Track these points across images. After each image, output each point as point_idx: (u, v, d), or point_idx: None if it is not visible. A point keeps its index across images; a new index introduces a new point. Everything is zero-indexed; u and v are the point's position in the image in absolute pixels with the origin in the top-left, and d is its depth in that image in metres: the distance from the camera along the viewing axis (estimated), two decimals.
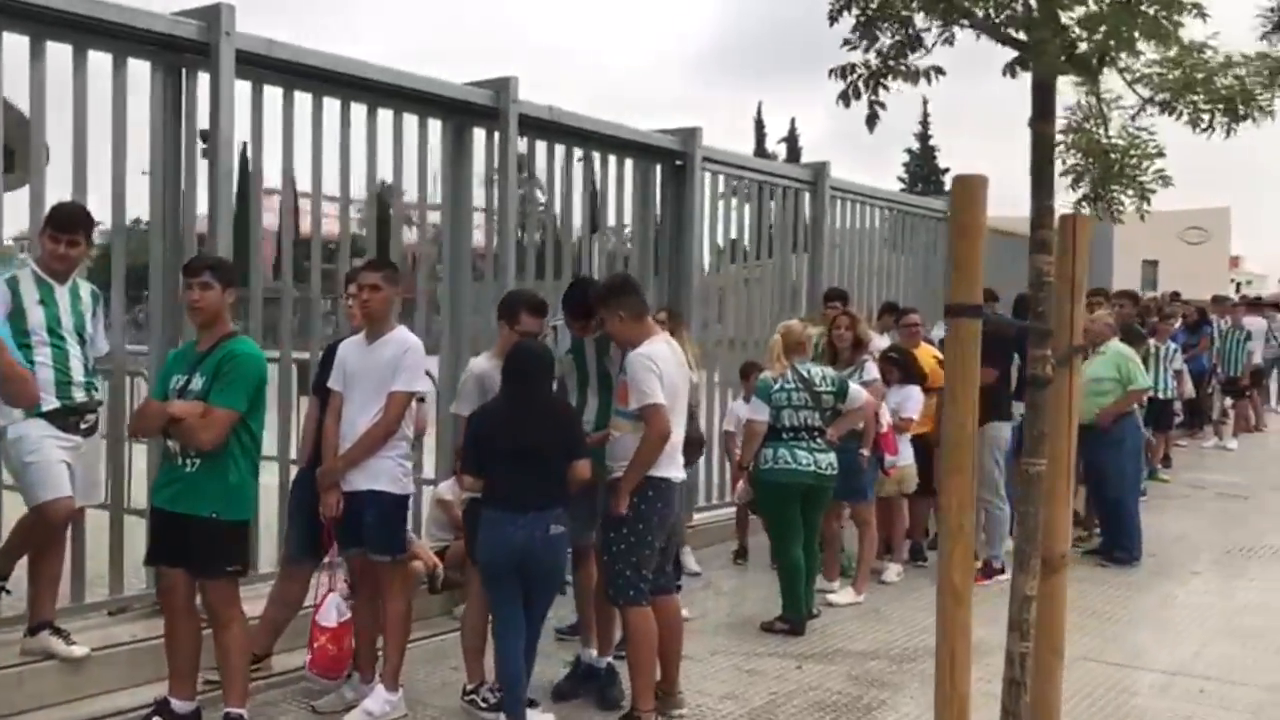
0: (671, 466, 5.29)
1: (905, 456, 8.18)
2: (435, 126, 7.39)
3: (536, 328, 5.52)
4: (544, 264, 8.25)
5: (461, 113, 7.49)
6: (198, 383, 4.76)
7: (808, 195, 10.78)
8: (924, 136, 75.77)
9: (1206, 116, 4.23)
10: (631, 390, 5.12)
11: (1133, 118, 4.34)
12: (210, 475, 4.74)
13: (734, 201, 9.97)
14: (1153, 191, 5.09)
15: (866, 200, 11.38)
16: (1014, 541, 8.47)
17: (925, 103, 74.38)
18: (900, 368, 8.30)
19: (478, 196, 7.79)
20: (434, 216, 7.98)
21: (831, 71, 3.64)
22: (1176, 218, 59.50)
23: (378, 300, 5.26)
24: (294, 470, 5.98)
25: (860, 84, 3.59)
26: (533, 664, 5.20)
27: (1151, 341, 13.06)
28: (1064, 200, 4.32)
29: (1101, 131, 4.41)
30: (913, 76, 3.58)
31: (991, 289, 12.35)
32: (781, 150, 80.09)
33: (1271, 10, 9.52)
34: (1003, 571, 8.27)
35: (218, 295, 4.83)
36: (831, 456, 7.02)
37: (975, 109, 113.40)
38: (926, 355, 8.76)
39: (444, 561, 6.75)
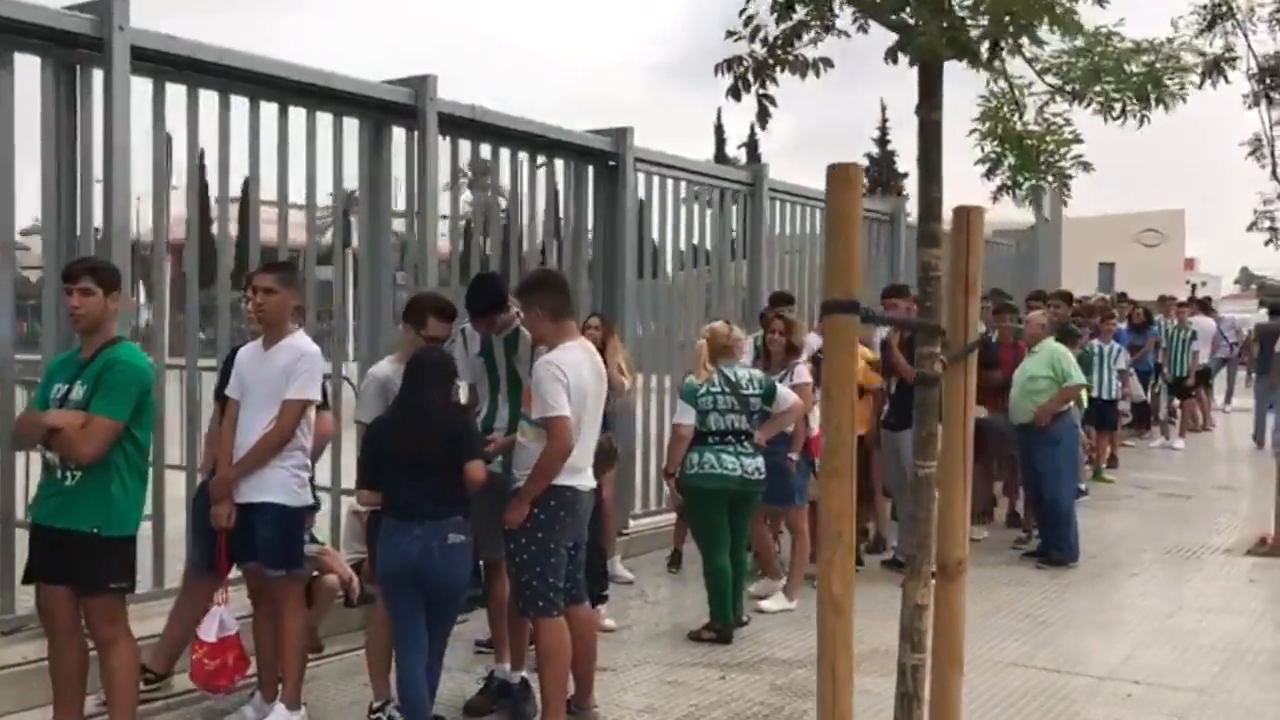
0: (577, 475, 5.11)
1: None
2: (351, 126, 7.19)
3: (444, 332, 5.34)
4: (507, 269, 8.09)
5: (380, 112, 7.29)
6: (79, 391, 4.54)
7: (747, 198, 10.65)
8: (882, 141, 75.93)
9: (1117, 105, 4.13)
10: (535, 399, 4.95)
11: (1041, 109, 4.23)
12: (91, 488, 4.51)
13: (670, 204, 9.80)
14: (1071, 177, 4.98)
15: (807, 202, 11.25)
16: (904, 548, 8.48)
17: (884, 108, 74.74)
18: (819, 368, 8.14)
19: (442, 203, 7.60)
20: (398, 224, 7.83)
21: (718, 67, 3.49)
22: (1132, 220, 60.00)
23: (272, 304, 5.06)
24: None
25: (749, 76, 3.44)
26: (437, 679, 5.01)
27: (1095, 342, 13.07)
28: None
29: (1016, 119, 4.30)
30: (801, 68, 3.43)
31: None
32: (742, 155, 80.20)
33: (1205, 6, 9.51)
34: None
35: (99, 301, 4.61)
36: (759, 461, 6.87)
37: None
38: (859, 358, 8.64)
39: (361, 574, 6.54)
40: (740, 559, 7.06)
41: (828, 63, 3.40)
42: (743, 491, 6.80)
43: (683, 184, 9.83)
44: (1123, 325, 16.11)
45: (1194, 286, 55.10)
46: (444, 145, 7.70)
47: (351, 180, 7.39)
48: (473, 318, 5.41)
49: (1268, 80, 9.29)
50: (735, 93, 3.43)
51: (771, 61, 3.40)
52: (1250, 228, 9.88)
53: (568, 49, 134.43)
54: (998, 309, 10.47)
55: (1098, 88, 4.13)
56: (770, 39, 3.38)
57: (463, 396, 5.50)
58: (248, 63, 6.43)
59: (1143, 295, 20.82)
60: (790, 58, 3.39)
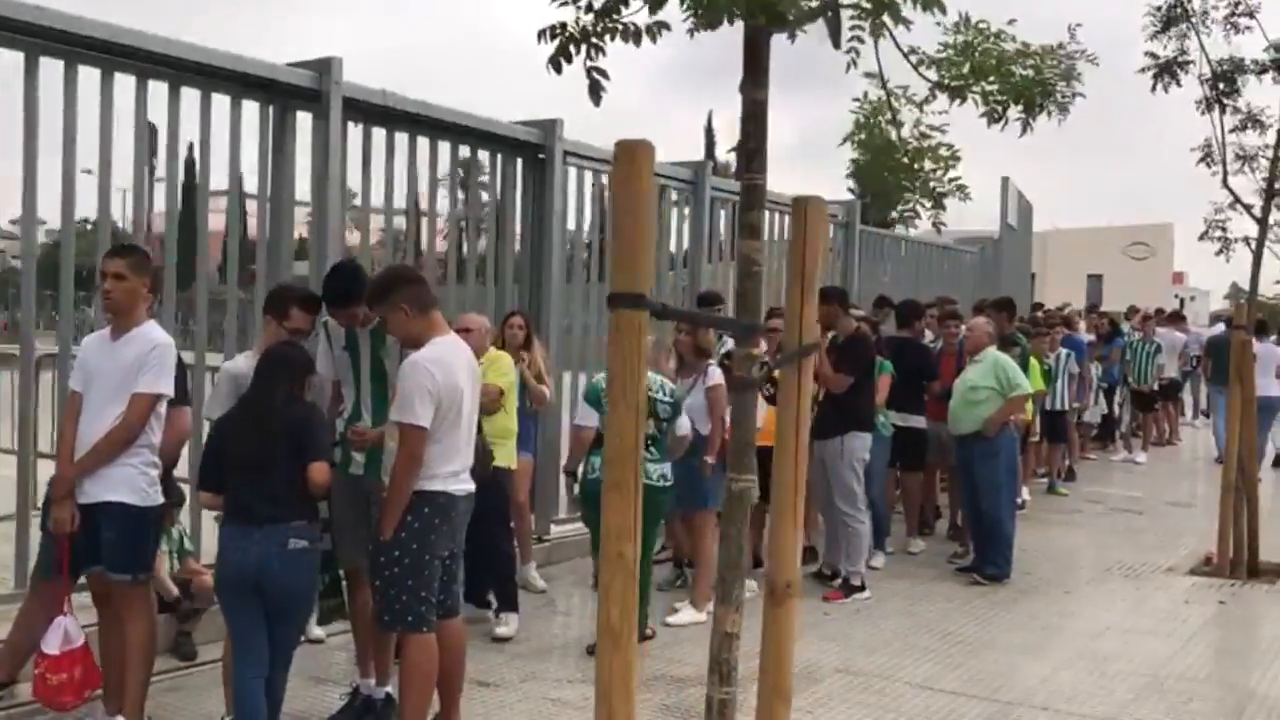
0: (453, 479, 4.80)
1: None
2: (251, 109, 6.88)
3: (308, 324, 5.04)
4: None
5: (284, 95, 6.98)
6: None
7: (689, 197, 10.36)
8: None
9: (1000, 107, 3.89)
10: (397, 400, 4.64)
11: (921, 105, 3.97)
12: None
13: (608, 201, 9.50)
14: (944, 195, 4.71)
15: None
16: (830, 559, 8.16)
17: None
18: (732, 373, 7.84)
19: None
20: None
21: (540, 33, 3.20)
22: (1121, 233, 59.90)
23: (121, 291, 4.76)
24: None
25: (572, 46, 3.15)
26: (280, 693, 4.69)
27: (1063, 353, 12.79)
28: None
29: (892, 130, 4.04)
30: (634, 36, 3.14)
31: (885, 296, 12.03)
32: (731, 159, 79.73)
33: (1159, 9, 9.20)
34: (863, 589, 7.89)
35: None
36: (665, 467, 6.59)
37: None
38: None
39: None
40: (645, 571, 6.76)
41: (663, 26, 3.10)
42: (646, 499, 6.47)
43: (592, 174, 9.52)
44: (1089, 336, 15.89)
45: (1181, 300, 55.04)
46: (355, 133, 7.41)
47: (253, 166, 7.08)
48: (331, 310, 5.10)
49: (1220, 85, 9.02)
50: (557, 64, 3.13)
51: (599, 29, 3.11)
52: (1202, 237, 9.60)
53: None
54: (942, 316, 10.19)
55: (979, 87, 3.89)
56: (596, 4, 3.09)
57: (326, 393, 5.18)
58: (134, 40, 6.13)
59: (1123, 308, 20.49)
60: (619, 25, 3.10)
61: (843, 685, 6.11)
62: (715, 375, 7.30)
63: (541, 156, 8.76)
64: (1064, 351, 12.89)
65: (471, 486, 5.00)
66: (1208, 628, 7.45)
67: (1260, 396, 16.22)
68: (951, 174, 4.60)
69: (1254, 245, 9.22)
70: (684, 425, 6.86)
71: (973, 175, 4.65)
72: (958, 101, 3.87)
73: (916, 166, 4.57)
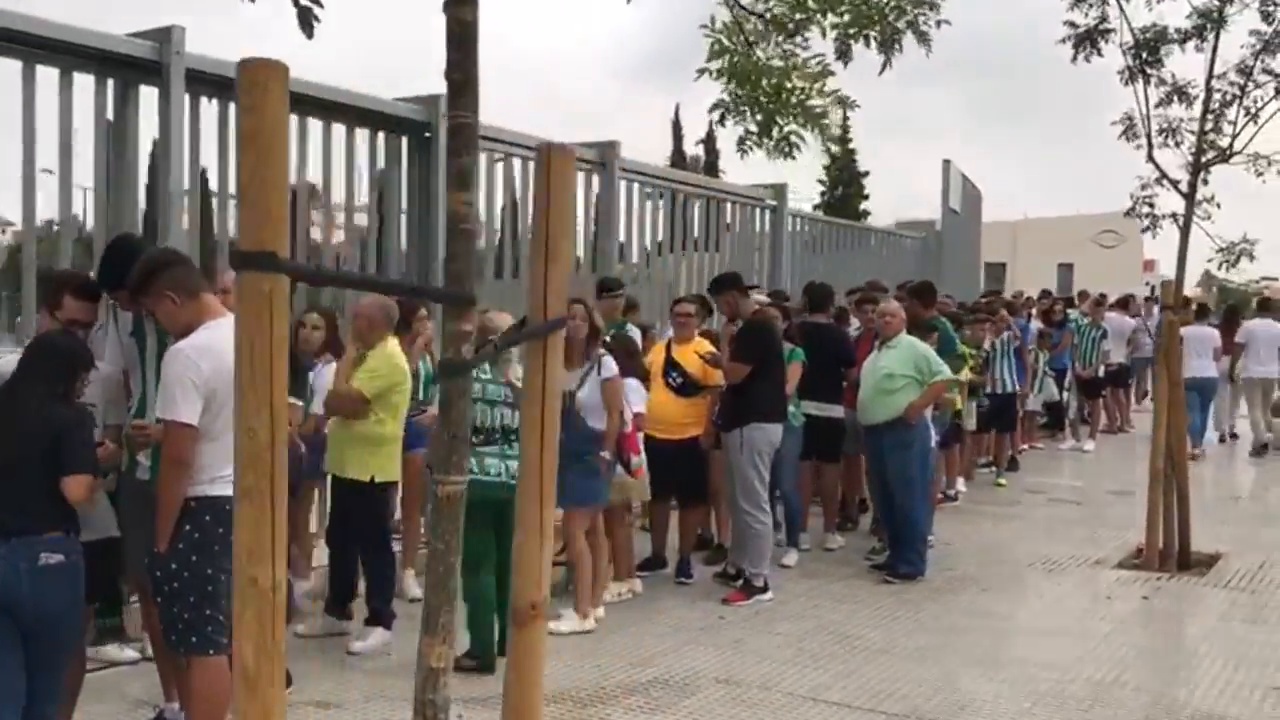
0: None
1: (641, 458, 7.29)
2: (85, 83, 6.35)
3: (85, 314, 4.52)
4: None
5: (123, 68, 6.45)
6: None
7: (596, 177, 9.88)
8: (843, 139, 75.04)
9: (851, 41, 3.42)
10: (159, 394, 4.13)
11: (779, 41, 3.50)
12: None
13: (501, 184, 9.02)
14: (825, 119, 4.29)
15: (665, 185, 10.49)
16: (734, 559, 7.68)
17: (845, 105, 74.02)
18: (624, 357, 7.36)
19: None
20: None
21: None
22: (1090, 221, 59.62)
23: None
24: None
25: None
26: None
27: (1005, 336, 12.38)
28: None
29: (749, 54, 3.58)
30: None
31: (815, 282, 11.56)
32: (700, 152, 79.32)
33: None
34: (765, 591, 7.43)
35: None
36: (513, 464, 6.07)
37: (905, 116, 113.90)
38: (690, 351, 7.86)
39: None
40: (503, 581, 6.26)
41: None
42: (511, 499, 5.96)
43: (516, 161, 9.04)
44: (1036, 323, 15.50)
45: (1153, 288, 54.88)
46: (211, 108, 6.91)
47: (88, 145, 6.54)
48: (112, 294, 4.58)
49: (1143, 55, 8.58)
50: None
51: None
52: (1128, 213, 9.14)
53: (533, 44, 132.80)
54: (860, 300, 9.74)
55: (826, 20, 3.44)
56: None
57: (116, 387, 4.66)
58: None
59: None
60: None
61: (719, 697, 5.64)
62: (611, 367, 6.80)
63: (428, 135, 8.26)
64: (1006, 334, 12.46)
65: None
66: (1125, 626, 7.01)
67: (1198, 378, 16.32)
68: (829, 85, 4.08)
69: (1181, 221, 8.78)
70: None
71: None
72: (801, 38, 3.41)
73: (789, 86, 4.10)
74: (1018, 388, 12.51)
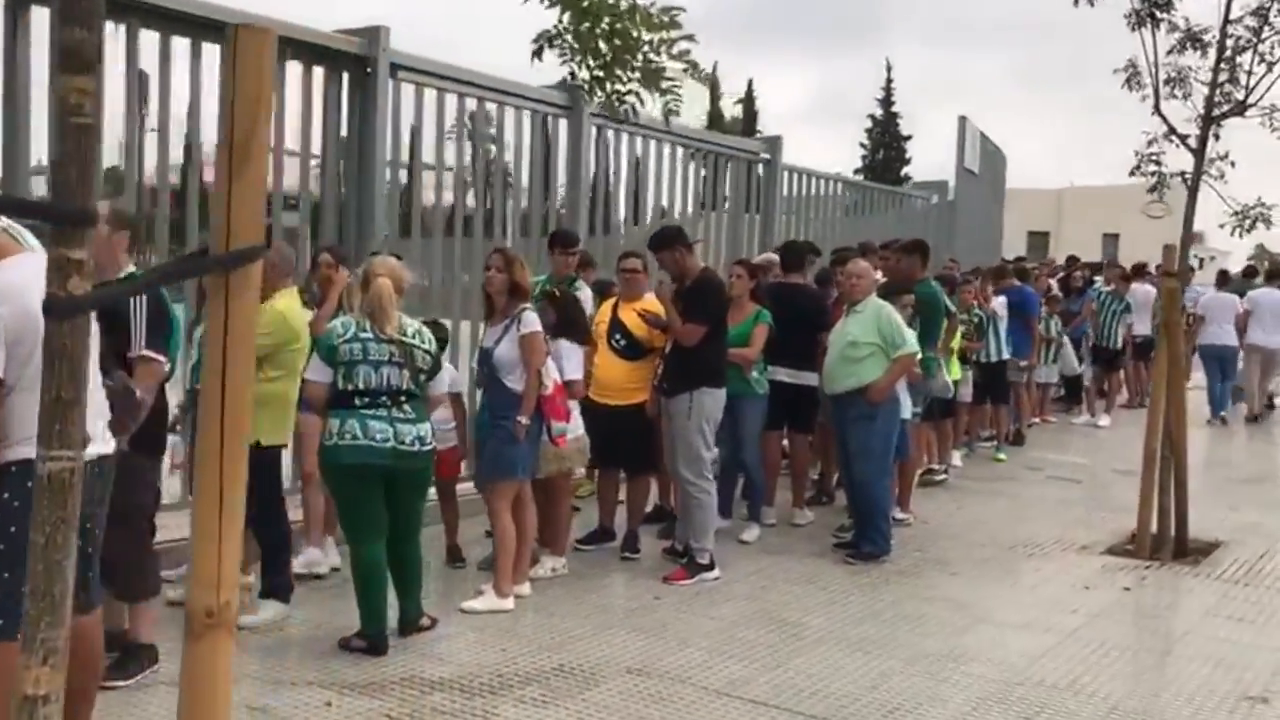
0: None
1: (578, 426, 6.73)
2: None
3: None
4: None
5: None
6: None
7: (564, 123, 9.26)
8: (887, 102, 73.71)
9: None
10: None
11: None
12: None
13: (454, 123, 8.42)
14: (664, 78, 3.76)
15: (641, 131, 9.86)
16: (681, 535, 7.09)
17: (889, 68, 72.87)
18: (559, 313, 6.79)
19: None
20: None
21: None
22: (1138, 191, 58.26)
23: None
24: None
25: None
26: None
27: (999, 303, 11.73)
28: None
29: None
30: None
31: (809, 242, 10.93)
32: (737, 112, 78.14)
33: None
34: (710, 568, 6.87)
35: None
36: (420, 428, 5.52)
37: (949, 79, 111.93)
38: (632, 311, 7.27)
39: None
40: (412, 551, 5.74)
41: None
42: (400, 467, 5.45)
43: (470, 101, 8.43)
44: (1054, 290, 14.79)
45: (1200, 261, 53.56)
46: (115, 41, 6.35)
47: None
48: None
49: None
50: None
51: None
52: (1133, 172, 8.42)
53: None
54: (836, 261, 9.10)
55: None
56: None
57: None
58: None
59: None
60: None
61: (623, 690, 5.09)
62: (531, 321, 6.24)
63: (369, 71, 7.68)
64: (1000, 302, 11.77)
65: (105, 448, 3.97)
66: (1097, 621, 6.38)
67: (1218, 345, 15.73)
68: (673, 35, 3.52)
69: (1189, 181, 8.07)
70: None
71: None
72: None
73: (634, 36, 3.53)
74: (1006, 357, 11.78)
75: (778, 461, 8.54)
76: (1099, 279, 16.33)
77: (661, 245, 7.10)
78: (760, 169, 11.61)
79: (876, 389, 7.46)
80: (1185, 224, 8.09)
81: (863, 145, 71.55)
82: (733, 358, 7.75)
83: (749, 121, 77.73)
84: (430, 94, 8.12)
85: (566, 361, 6.75)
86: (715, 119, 76.30)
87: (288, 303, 5.78)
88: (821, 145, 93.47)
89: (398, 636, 5.60)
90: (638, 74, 3.79)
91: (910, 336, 7.63)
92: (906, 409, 8.07)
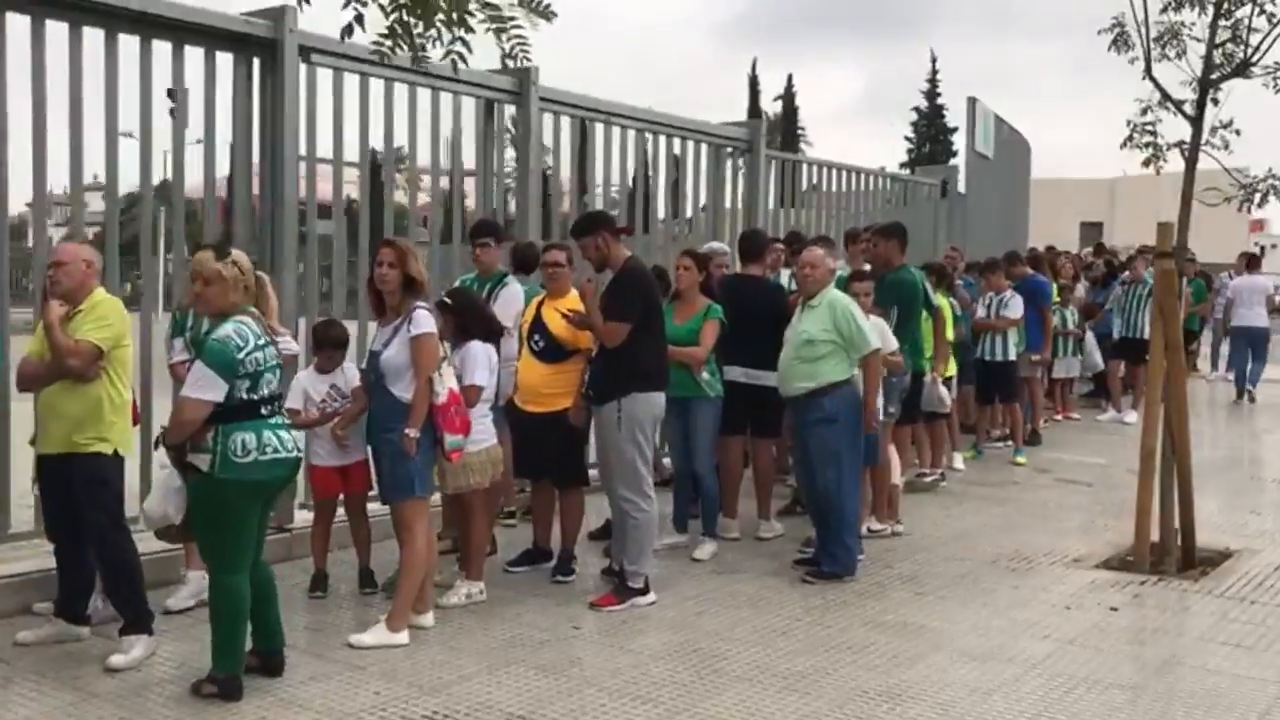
0: None
1: (484, 436, 6.08)
2: None
3: None
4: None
5: None
6: None
7: (500, 107, 8.61)
8: (932, 95, 72.39)
9: None
10: None
11: None
12: None
13: (380, 111, 7.80)
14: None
15: (591, 115, 9.19)
16: (615, 554, 6.39)
17: (934, 59, 71.68)
18: (457, 316, 6.14)
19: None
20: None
21: None
22: (1195, 178, 56.66)
23: None
24: None
25: None
26: None
27: (1005, 295, 10.96)
28: None
29: None
30: None
31: (797, 232, 10.23)
32: (778, 108, 77.08)
33: None
34: (645, 593, 6.20)
35: None
36: (293, 436, 5.02)
37: (1002, 70, 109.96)
38: (555, 309, 6.61)
39: None
40: (266, 566, 5.14)
41: None
42: (254, 475, 4.85)
43: (399, 86, 7.80)
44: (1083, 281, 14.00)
45: (1262, 248, 51.84)
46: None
47: None
48: None
49: None
50: None
51: None
52: (1124, 144, 7.62)
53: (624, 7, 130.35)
54: (791, 249, 8.39)
55: None
56: None
57: None
58: None
59: (1204, 259, 18.56)
60: None
61: None
62: (423, 321, 5.59)
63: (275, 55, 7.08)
64: (1006, 294, 10.98)
65: None
66: (1071, 649, 5.62)
67: (1249, 327, 16.05)
68: None
69: (1187, 152, 7.26)
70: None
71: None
72: None
73: None
74: (1013, 357, 10.99)
75: (738, 470, 7.83)
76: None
77: (583, 231, 6.39)
78: (742, 156, 10.88)
79: (869, 412, 6.84)
80: (1183, 200, 7.27)
81: (908, 139, 70.53)
82: (680, 357, 7.10)
83: (789, 118, 76.78)
84: (351, 79, 7.50)
85: (476, 366, 6.12)
86: (753, 117, 75.62)
87: (108, 295, 5.29)
88: (870, 139, 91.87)
89: (262, 675, 4.99)
90: (442, 13, 3.16)
91: (872, 335, 6.87)
92: (879, 409, 7.34)
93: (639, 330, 6.22)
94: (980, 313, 11.03)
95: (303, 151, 7.24)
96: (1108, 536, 7.89)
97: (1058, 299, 13.10)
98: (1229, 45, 7.17)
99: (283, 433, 4.93)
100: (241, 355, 4.77)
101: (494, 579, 6.59)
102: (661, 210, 10.84)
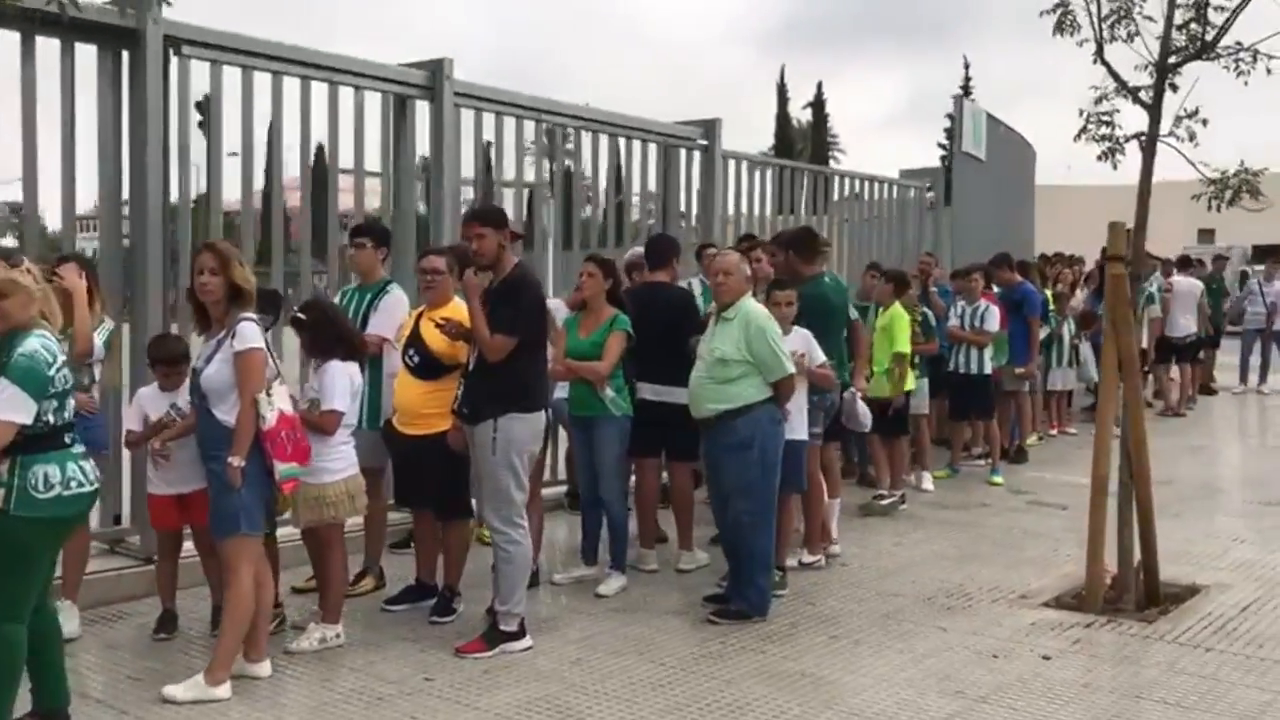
0: None
1: (343, 465, 5.48)
2: None
3: None
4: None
5: None
6: None
7: (422, 104, 8.01)
8: (964, 95, 71.13)
9: None
10: None
11: None
12: None
13: (266, 106, 7.20)
14: None
15: (512, 111, 8.58)
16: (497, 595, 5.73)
17: (966, 65, 70.85)
18: (312, 333, 5.55)
19: None
20: None
21: None
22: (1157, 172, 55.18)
23: None
24: None
25: None
26: None
27: (981, 305, 10.24)
28: None
29: None
30: None
31: (751, 236, 9.56)
32: (807, 115, 76.19)
33: None
34: (519, 637, 5.56)
35: None
36: (82, 468, 4.46)
37: (1027, 75, 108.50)
38: (432, 321, 5.99)
39: None
40: (49, 616, 4.55)
41: None
42: (45, 509, 4.28)
43: (289, 81, 7.22)
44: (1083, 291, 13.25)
45: None
46: None
47: None
48: None
49: None
50: None
51: None
52: (1078, 136, 6.89)
53: (665, 20, 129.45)
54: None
55: None
56: None
57: None
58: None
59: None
60: None
61: None
62: (248, 335, 4.98)
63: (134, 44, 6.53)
64: (982, 305, 10.26)
65: None
66: (982, 706, 4.90)
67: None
68: None
69: (1144, 143, 6.53)
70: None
71: None
72: None
73: None
74: (988, 370, 10.27)
75: (653, 495, 7.17)
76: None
77: (492, 221, 5.61)
78: (697, 155, 10.22)
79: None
80: (1140, 199, 6.55)
81: (941, 145, 69.51)
82: (582, 373, 6.49)
83: (819, 126, 75.92)
84: (233, 71, 6.92)
85: (335, 388, 5.51)
86: (782, 123, 74.86)
87: None
88: (907, 147, 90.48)
89: None
90: None
91: (784, 358, 6.13)
92: (800, 429, 6.67)
93: (525, 345, 5.59)
94: (953, 322, 10.32)
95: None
96: (1067, 569, 7.16)
97: (1054, 308, 12.37)
98: (1192, 25, 6.44)
99: (85, 463, 4.39)
100: (52, 372, 4.21)
101: (368, 619, 5.99)
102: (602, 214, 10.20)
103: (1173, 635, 5.92)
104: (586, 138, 9.31)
